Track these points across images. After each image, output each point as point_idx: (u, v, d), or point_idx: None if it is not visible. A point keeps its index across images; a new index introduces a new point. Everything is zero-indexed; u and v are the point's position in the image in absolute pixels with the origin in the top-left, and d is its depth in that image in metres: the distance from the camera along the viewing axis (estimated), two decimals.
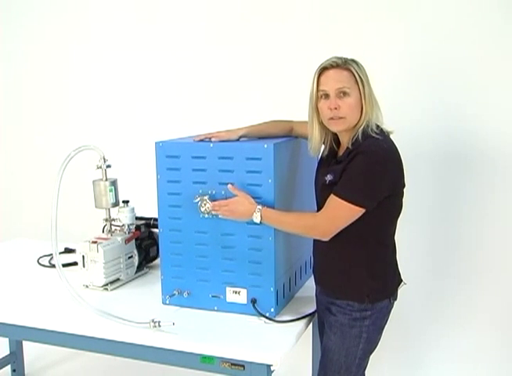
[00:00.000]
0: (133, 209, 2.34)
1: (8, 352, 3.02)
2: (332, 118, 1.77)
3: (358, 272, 1.83)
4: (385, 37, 2.80)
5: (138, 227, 2.42)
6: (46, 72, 3.63)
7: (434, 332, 2.92)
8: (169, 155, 1.99)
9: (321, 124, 1.84)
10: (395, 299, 1.92)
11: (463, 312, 2.85)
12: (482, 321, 2.83)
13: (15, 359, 3.03)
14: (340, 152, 1.85)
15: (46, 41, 3.60)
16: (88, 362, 3.11)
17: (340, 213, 1.73)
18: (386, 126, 1.85)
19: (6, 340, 3.01)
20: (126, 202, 2.34)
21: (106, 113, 3.51)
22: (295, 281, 2.17)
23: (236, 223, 1.93)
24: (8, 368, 3.02)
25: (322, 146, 1.92)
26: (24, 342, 3.03)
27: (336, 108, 1.75)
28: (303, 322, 1.94)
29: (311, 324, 2.06)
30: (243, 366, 1.73)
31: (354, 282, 1.84)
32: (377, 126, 1.79)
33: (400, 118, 2.77)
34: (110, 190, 2.29)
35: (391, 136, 1.84)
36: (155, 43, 3.31)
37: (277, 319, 1.93)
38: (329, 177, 1.80)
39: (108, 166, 2.29)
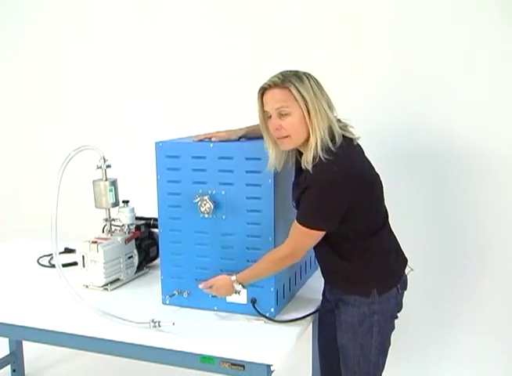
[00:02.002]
0: (133, 209, 2.34)
1: (8, 352, 3.02)
2: (278, 138, 1.77)
3: (358, 268, 1.85)
4: (372, 38, 2.82)
5: (138, 227, 2.42)
6: (46, 72, 3.63)
7: (434, 332, 2.93)
8: (169, 155, 1.99)
9: (275, 142, 1.81)
10: (404, 288, 1.93)
11: (463, 312, 2.86)
12: (483, 321, 2.83)
13: (15, 359, 3.02)
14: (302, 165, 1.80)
15: (46, 42, 3.60)
16: (88, 362, 3.11)
17: (303, 239, 1.79)
18: (349, 132, 1.80)
19: (6, 340, 3.00)
20: (126, 202, 2.34)
21: (106, 113, 3.51)
22: (295, 281, 2.17)
23: (235, 223, 1.94)
24: (8, 368, 3.02)
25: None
26: (24, 342, 3.03)
27: (277, 129, 1.75)
28: (303, 322, 1.94)
29: (311, 324, 2.06)
30: (243, 366, 1.74)
31: (357, 277, 1.86)
32: (332, 140, 1.72)
33: (395, 116, 2.81)
34: (110, 190, 2.29)
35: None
36: (155, 43, 3.31)
37: (277, 319, 1.93)
38: (293, 200, 1.87)
39: (108, 166, 2.29)
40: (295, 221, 1.78)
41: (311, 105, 1.70)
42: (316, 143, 1.70)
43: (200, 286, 1.95)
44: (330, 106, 1.77)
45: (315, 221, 1.75)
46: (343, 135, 1.77)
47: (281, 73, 1.75)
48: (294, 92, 1.70)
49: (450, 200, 2.81)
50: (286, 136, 1.75)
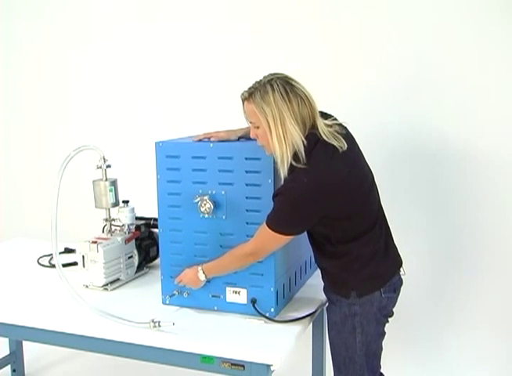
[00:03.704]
0: (133, 209, 2.34)
1: (8, 352, 3.02)
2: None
3: (338, 268, 1.87)
4: (371, 38, 2.84)
5: (138, 227, 2.42)
6: (46, 72, 3.63)
7: (434, 331, 2.93)
8: (169, 155, 1.99)
9: None
10: (392, 291, 1.90)
11: (462, 312, 2.86)
12: (483, 320, 2.84)
13: (15, 359, 3.02)
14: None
15: (46, 42, 3.60)
16: (88, 362, 3.11)
17: (267, 240, 1.82)
18: (337, 139, 1.76)
19: (6, 340, 3.00)
20: (126, 202, 2.34)
21: (106, 113, 3.51)
22: (295, 281, 2.17)
23: (235, 223, 1.94)
24: (8, 368, 3.02)
25: None
26: (24, 342, 3.03)
27: (254, 138, 1.81)
28: (303, 322, 1.93)
29: (311, 324, 2.06)
30: (243, 366, 1.74)
31: (337, 278, 1.88)
32: (305, 148, 1.72)
33: (395, 117, 2.81)
34: (110, 190, 2.29)
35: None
36: (155, 43, 3.31)
37: (277, 319, 1.93)
38: None
39: (108, 166, 2.29)
40: (264, 222, 1.79)
41: (272, 121, 1.71)
42: (281, 156, 1.72)
43: (175, 282, 2.01)
44: (298, 117, 1.73)
45: (281, 226, 1.77)
46: (326, 142, 1.75)
47: (254, 84, 1.78)
48: (256, 108, 1.74)
49: (449, 201, 2.81)
50: (262, 145, 1.80)
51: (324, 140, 1.75)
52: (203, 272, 1.93)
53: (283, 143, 1.71)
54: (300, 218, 1.76)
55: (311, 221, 1.77)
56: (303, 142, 1.72)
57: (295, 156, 1.72)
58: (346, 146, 1.77)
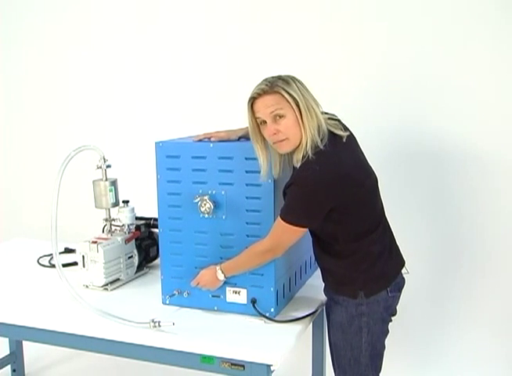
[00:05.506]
0: (133, 209, 2.34)
1: (8, 352, 3.02)
2: (275, 142, 1.78)
3: (345, 269, 1.86)
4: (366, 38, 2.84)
5: (138, 227, 2.42)
6: (46, 72, 3.63)
7: (434, 332, 2.93)
8: (169, 155, 1.99)
9: (266, 149, 1.82)
10: (397, 290, 1.91)
11: (462, 312, 2.86)
12: (483, 320, 2.83)
13: (15, 359, 3.02)
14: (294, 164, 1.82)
15: (46, 42, 3.60)
16: (88, 362, 3.11)
17: (284, 234, 1.81)
18: (339, 130, 1.80)
19: (6, 340, 3.00)
20: (126, 202, 2.34)
21: (106, 113, 3.51)
22: (295, 281, 2.17)
23: (235, 223, 1.94)
24: (8, 368, 3.02)
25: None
26: (24, 342, 3.03)
27: (275, 133, 1.75)
28: (303, 322, 1.93)
29: (311, 324, 2.06)
30: (243, 366, 1.74)
31: (344, 278, 1.88)
32: (321, 139, 1.74)
33: (396, 117, 2.81)
34: (110, 190, 2.29)
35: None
36: (155, 43, 3.31)
37: (277, 319, 1.93)
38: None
39: (108, 166, 2.29)
40: (278, 216, 1.79)
41: (302, 105, 1.72)
42: (307, 142, 1.72)
43: (192, 285, 1.99)
44: (318, 105, 1.78)
45: (296, 217, 1.76)
46: (332, 133, 1.78)
47: (266, 80, 1.76)
48: (285, 94, 1.72)
49: (450, 200, 2.81)
50: (284, 139, 1.75)
51: (331, 131, 1.78)
52: (222, 272, 1.93)
53: (312, 127, 1.72)
54: (313, 207, 1.75)
55: (324, 210, 1.75)
56: (323, 127, 1.74)
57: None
58: (346, 135, 1.81)
